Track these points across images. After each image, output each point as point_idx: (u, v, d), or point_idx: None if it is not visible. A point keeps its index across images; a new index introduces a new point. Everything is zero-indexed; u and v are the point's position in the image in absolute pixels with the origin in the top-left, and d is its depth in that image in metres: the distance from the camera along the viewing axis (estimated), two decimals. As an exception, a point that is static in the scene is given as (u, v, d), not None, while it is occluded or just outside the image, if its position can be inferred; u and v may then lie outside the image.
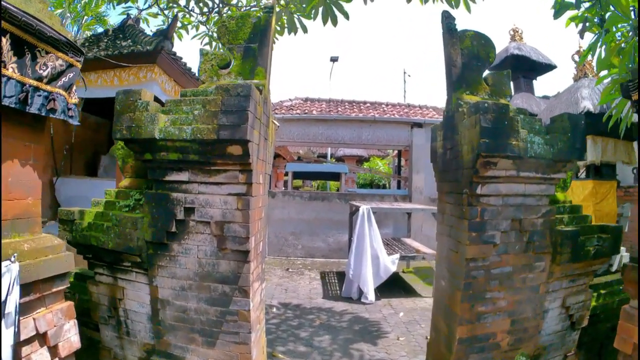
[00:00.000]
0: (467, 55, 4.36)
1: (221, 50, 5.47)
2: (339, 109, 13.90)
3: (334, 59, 22.02)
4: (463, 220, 3.88)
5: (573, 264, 4.07)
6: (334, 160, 26.61)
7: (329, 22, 6.61)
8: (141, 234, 3.66)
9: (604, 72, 4.91)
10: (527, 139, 3.68)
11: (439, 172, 4.79)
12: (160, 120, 3.57)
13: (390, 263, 8.36)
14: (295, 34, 7.44)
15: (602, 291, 4.75)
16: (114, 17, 36.94)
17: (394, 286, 9.15)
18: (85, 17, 18.47)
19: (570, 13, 4.59)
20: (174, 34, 8.34)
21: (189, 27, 8.05)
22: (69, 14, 17.38)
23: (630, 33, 4.25)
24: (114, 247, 3.68)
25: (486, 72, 4.48)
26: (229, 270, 3.73)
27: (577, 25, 4.61)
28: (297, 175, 18.26)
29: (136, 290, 3.85)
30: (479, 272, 3.82)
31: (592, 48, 4.40)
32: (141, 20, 9.19)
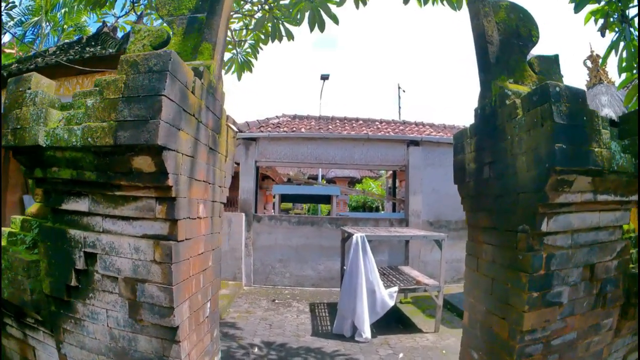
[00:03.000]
0: (504, 31, 3.47)
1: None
2: (330, 127, 13.09)
3: (324, 77, 21.52)
4: (518, 273, 2.92)
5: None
6: (324, 181, 25.77)
7: (316, 27, 6.12)
8: (37, 284, 2.67)
9: (624, 76, 4.27)
10: (611, 145, 2.75)
11: (470, 197, 3.86)
12: (50, 118, 2.62)
13: (388, 297, 7.41)
14: (280, 42, 6.98)
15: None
16: (95, 26, 36.44)
17: (391, 320, 8.16)
18: (66, 26, 17.98)
19: (590, 8, 4.10)
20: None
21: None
22: (45, 23, 16.82)
23: None
24: (9, 297, 2.71)
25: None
26: (151, 351, 2.74)
27: (596, 22, 4.14)
28: (285, 198, 17.35)
29: (48, 354, 2.87)
30: (536, 348, 2.86)
31: (614, 47, 3.97)
32: (118, 29, 8.61)
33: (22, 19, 17.72)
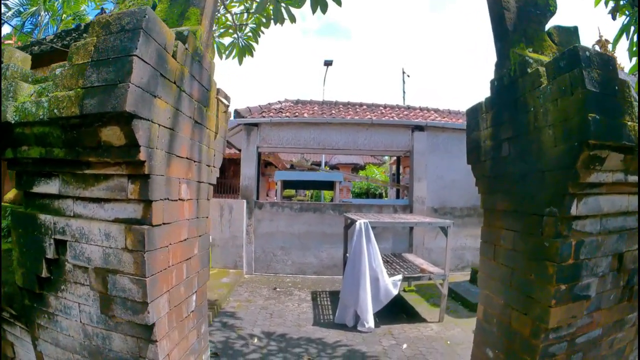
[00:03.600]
0: (520, -2, 3.12)
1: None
2: (333, 112, 12.81)
3: (328, 63, 21.23)
4: (543, 263, 2.66)
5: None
6: (327, 168, 25.56)
7: (319, 9, 5.88)
8: (10, 275, 2.46)
9: (634, 60, 4.07)
10: (644, 116, 2.39)
11: (486, 178, 3.59)
12: (21, 92, 2.38)
13: (392, 285, 7.21)
14: (282, 25, 6.71)
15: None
16: (94, 14, 36.09)
17: (394, 309, 7.97)
18: (64, 15, 17.72)
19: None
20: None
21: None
22: (44, 12, 16.60)
23: None
24: (-20, 289, 2.47)
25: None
26: (127, 351, 2.50)
27: (607, 5, 3.92)
28: (288, 184, 17.13)
29: (25, 351, 2.67)
30: (560, 347, 2.61)
31: (624, 30, 3.75)
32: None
33: (21, 9, 17.47)
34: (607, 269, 2.74)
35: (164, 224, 2.72)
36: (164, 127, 2.70)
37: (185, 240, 3.24)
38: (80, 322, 2.61)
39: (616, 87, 2.46)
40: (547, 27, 3.33)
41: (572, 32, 3.24)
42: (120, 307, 2.49)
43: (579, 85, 2.40)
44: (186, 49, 3.01)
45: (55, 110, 2.28)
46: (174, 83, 2.82)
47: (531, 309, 2.80)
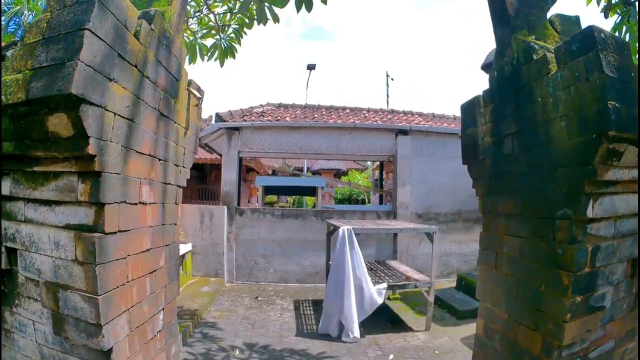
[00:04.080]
0: (519, -18, 2.93)
1: None
2: (316, 116, 12.59)
3: (310, 67, 21.02)
4: (556, 272, 2.42)
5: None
6: (310, 173, 25.33)
7: (303, 8, 5.69)
8: None
9: None
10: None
11: (485, 178, 3.36)
12: None
13: (377, 294, 6.99)
14: (264, 25, 6.53)
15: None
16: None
17: (379, 318, 7.75)
18: None
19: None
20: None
21: None
22: (27, 12, 16.16)
23: None
24: None
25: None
26: None
27: (599, 3, 4.00)
28: (269, 190, 16.85)
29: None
30: None
31: (617, 29, 3.88)
32: None
33: (5, 8, 16.96)
34: (621, 276, 2.54)
35: (120, 231, 2.43)
36: (121, 116, 2.41)
37: (148, 250, 2.92)
38: (36, 342, 2.33)
39: (632, 74, 2.25)
40: (549, 15, 3.15)
41: (573, 22, 3.06)
42: (73, 329, 2.20)
43: (595, 69, 2.18)
44: (152, 29, 2.74)
45: (3, 97, 2.02)
46: (135, 66, 2.55)
47: (542, 323, 2.58)
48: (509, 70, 3.00)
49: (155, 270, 3.06)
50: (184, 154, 3.74)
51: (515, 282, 2.91)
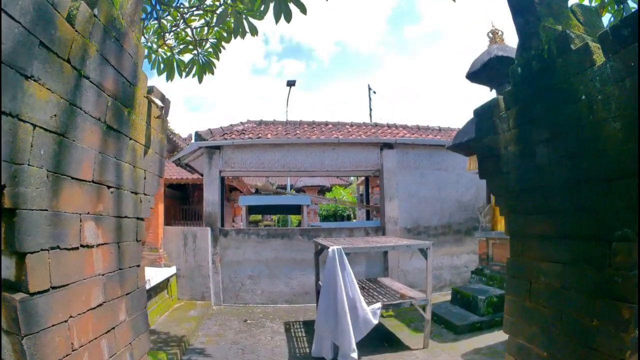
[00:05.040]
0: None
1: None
2: (298, 132, 12.35)
3: (290, 83, 20.91)
4: (613, 304, 2.08)
5: None
6: (293, 191, 25.02)
7: (282, 18, 5.50)
8: None
9: None
10: None
11: (510, 195, 2.98)
12: None
13: (371, 314, 6.68)
14: (243, 38, 6.35)
15: None
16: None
17: (374, 337, 7.41)
18: None
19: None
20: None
21: None
22: None
23: None
24: None
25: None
26: None
27: (591, 1, 3.89)
28: (253, 209, 16.49)
29: None
30: None
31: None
32: None
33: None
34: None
35: (54, 288, 1.93)
36: (45, 129, 1.89)
37: (100, 305, 2.41)
38: None
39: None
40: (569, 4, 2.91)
41: (594, 12, 2.82)
42: None
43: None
44: (95, 16, 2.22)
45: None
46: (68, 62, 2.03)
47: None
48: (538, 65, 2.65)
49: (113, 328, 2.58)
50: (144, 179, 3.19)
51: (557, 315, 2.55)
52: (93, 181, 2.39)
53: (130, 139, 2.90)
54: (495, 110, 3.14)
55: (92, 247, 2.36)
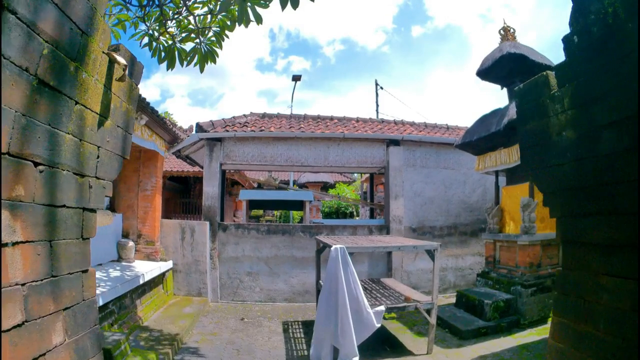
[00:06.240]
0: None
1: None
2: (302, 126, 12.04)
3: (296, 78, 20.64)
4: None
5: None
6: (296, 187, 24.74)
7: (289, 5, 5.20)
8: None
9: None
10: None
11: (567, 191, 2.53)
12: None
13: (374, 317, 6.36)
14: (246, 27, 6.04)
15: None
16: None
17: (375, 340, 7.10)
18: None
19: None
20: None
21: (127, 24, 6.49)
22: None
23: None
24: None
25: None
26: None
27: None
28: (254, 204, 16.20)
29: None
30: None
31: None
32: None
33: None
34: None
35: None
36: None
37: (18, 326, 1.90)
38: None
39: None
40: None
41: None
42: None
43: None
44: None
45: None
46: None
47: None
48: (600, 32, 2.22)
49: (43, 355, 2.08)
50: (97, 157, 2.56)
51: (621, 345, 2.09)
52: (9, 153, 1.84)
53: (77, 103, 2.33)
54: (544, 89, 2.68)
55: (5, 246, 1.83)
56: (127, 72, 2.96)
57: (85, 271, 2.51)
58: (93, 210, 2.61)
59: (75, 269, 2.43)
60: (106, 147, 2.71)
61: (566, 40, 2.55)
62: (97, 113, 2.56)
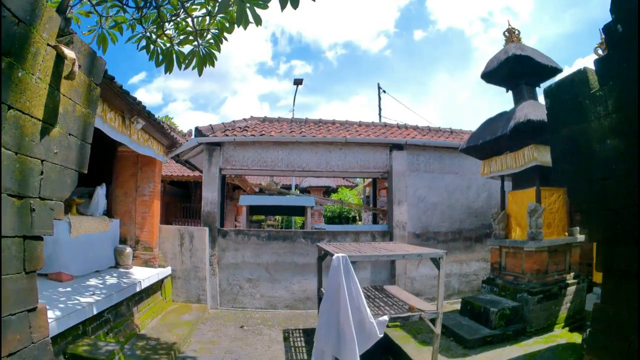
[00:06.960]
0: None
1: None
2: (303, 130, 11.85)
3: (297, 82, 20.54)
4: None
5: None
6: (298, 191, 24.58)
7: (289, 5, 5.05)
8: None
9: None
10: None
11: (610, 211, 2.17)
12: None
13: (377, 327, 6.14)
14: (245, 28, 5.88)
15: None
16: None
17: (378, 350, 6.83)
18: None
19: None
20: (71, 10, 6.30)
21: (124, 26, 6.39)
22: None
23: None
24: None
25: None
26: None
27: None
28: (255, 209, 15.99)
29: None
30: None
31: None
32: (73, 20, 7.36)
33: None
34: None
35: None
36: None
37: None
38: None
39: None
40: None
41: None
42: None
43: None
44: None
45: None
46: None
47: None
48: None
49: None
50: (41, 174, 2.19)
51: None
52: None
53: (11, 107, 1.96)
54: (583, 88, 2.31)
55: None
56: (82, 68, 2.58)
57: (33, 310, 2.16)
58: (38, 238, 2.23)
59: (19, 308, 2.09)
60: (53, 161, 2.32)
61: (607, 29, 2.21)
62: (39, 119, 2.20)
